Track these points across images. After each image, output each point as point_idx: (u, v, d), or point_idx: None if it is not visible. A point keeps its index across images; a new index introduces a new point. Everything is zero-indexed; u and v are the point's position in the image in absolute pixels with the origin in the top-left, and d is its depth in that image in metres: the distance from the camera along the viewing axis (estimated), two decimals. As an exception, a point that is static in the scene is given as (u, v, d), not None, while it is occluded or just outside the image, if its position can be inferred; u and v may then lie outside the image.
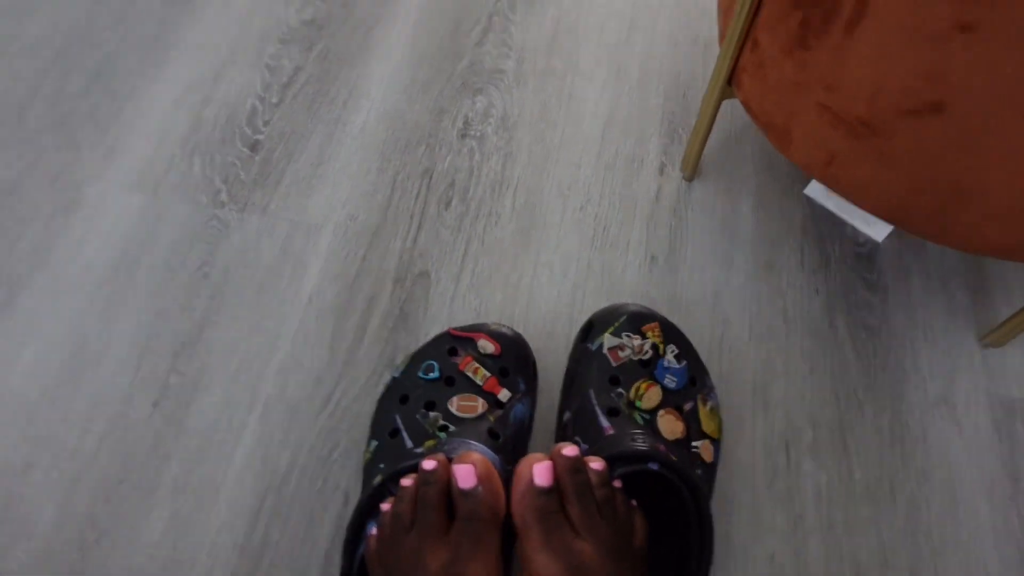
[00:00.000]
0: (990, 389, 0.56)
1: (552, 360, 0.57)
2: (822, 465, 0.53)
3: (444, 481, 0.45)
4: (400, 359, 0.58)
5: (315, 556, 0.51)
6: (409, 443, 0.50)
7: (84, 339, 0.59)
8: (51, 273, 0.61)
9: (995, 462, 0.53)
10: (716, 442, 0.50)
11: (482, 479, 0.44)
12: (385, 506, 0.47)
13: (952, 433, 0.54)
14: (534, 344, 0.58)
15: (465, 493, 0.43)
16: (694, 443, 0.48)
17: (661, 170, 0.66)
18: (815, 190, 0.63)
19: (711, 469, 0.49)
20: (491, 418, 0.49)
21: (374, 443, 0.52)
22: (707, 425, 0.49)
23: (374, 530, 0.48)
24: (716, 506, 0.52)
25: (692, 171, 0.64)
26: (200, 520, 0.53)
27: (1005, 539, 0.51)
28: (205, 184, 0.66)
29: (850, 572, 0.50)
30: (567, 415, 0.51)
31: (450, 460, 0.45)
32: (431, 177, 0.66)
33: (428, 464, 0.46)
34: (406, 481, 0.47)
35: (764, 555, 0.51)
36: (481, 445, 0.47)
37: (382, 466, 0.50)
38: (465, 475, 0.43)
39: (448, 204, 0.65)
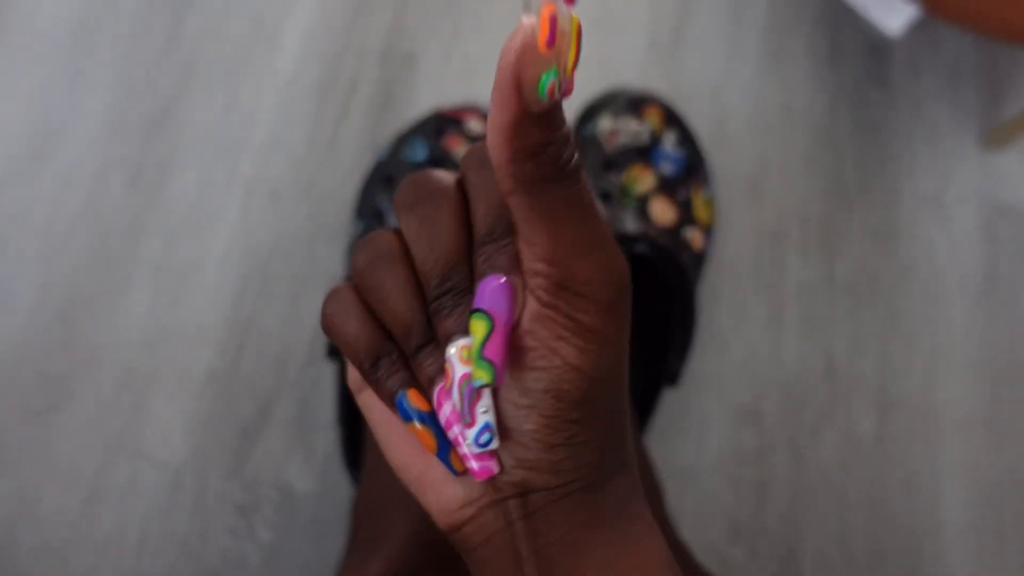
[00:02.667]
0: (982, 191, 0.55)
1: (543, 150, 0.55)
2: (808, 259, 0.54)
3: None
4: (385, 141, 0.55)
5: (302, 334, 0.52)
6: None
7: (46, 115, 0.55)
8: (1, 44, 0.56)
9: (975, 262, 0.54)
10: (709, 232, 0.50)
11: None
12: (372, 283, 0.47)
13: (939, 232, 0.55)
14: (525, 133, 0.55)
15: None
16: (685, 230, 0.48)
17: (669, -49, 0.60)
18: (833, -22, 0.58)
19: (701, 258, 0.49)
20: (480, 201, 0.48)
21: (359, 224, 0.51)
22: (701, 213, 0.49)
23: (361, 306, 0.48)
24: (700, 296, 0.53)
25: (703, -48, 0.59)
26: (185, 297, 0.52)
27: (971, 333, 0.53)
28: (165, -54, 0.59)
29: (823, 360, 0.52)
30: (558, 201, 0.50)
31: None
32: (417, -52, 0.60)
33: (416, 240, 0.45)
34: (393, 258, 0.46)
35: (742, 343, 0.52)
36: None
37: (368, 246, 0.49)
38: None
39: (436, -20, 0.59)
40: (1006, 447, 0.51)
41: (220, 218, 0.54)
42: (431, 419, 0.21)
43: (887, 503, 0.50)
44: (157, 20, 0.58)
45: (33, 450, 0.49)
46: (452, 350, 0.20)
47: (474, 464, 0.21)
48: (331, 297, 0.23)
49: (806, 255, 0.54)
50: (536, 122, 0.18)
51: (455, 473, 0.21)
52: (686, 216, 0.48)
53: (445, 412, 0.21)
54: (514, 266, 0.20)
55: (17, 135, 0.55)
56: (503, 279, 0.20)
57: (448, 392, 0.20)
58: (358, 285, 0.22)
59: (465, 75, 0.57)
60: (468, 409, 0.20)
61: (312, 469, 0.49)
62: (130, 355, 0.51)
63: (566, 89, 0.18)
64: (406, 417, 0.21)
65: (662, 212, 0.47)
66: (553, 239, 0.19)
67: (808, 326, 0.53)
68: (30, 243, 0.53)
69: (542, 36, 0.16)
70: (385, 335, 0.22)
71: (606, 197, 0.47)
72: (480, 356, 0.19)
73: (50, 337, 0.51)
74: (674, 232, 0.47)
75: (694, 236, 0.48)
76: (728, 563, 0.49)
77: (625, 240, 0.45)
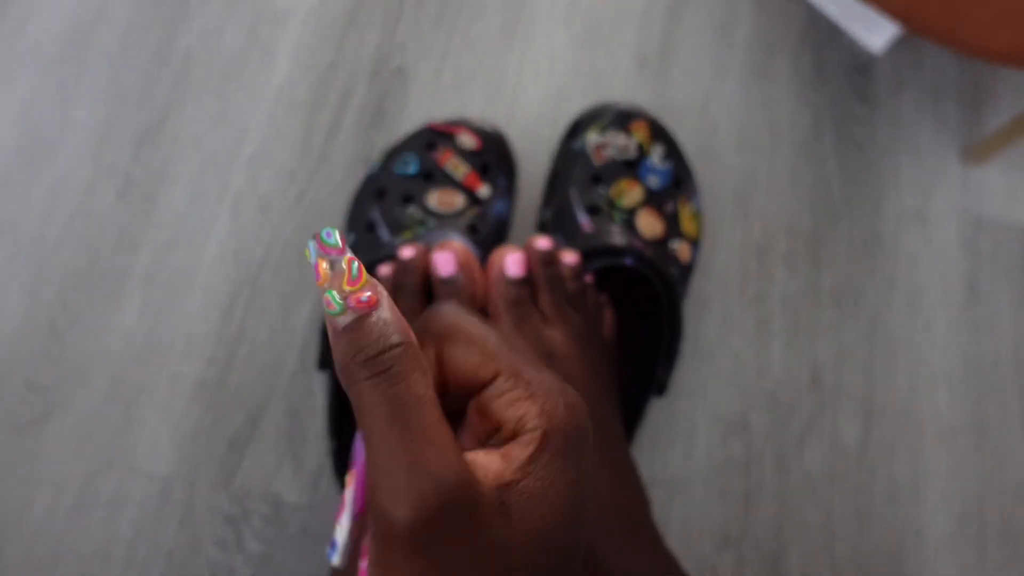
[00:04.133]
0: (964, 205, 0.57)
1: (535, 163, 0.56)
2: (793, 273, 0.55)
3: (422, 269, 0.44)
4: (376, 156, 0.56)
5: (292, 345, 0.52)
6: (386, 236, 0.49)
7: (37, 125, 0.56)
8: (-7, 51, 0.56)
9: (957, 275, 0.55)
10: (695, 244, 0.50)
11: (462, 267, 0.44)
12: (362, 294, 0.48)
13: (922, 246, 0.56)
14: (517, 146, 0.56)
15: (444, 280, 0.43)
16: (672, 243, 0.48)
17: (657, -32, 0.61)
18: (817, -4, 0.60)
19: (687, 270, 0.50)
20: (470, 214, 0.48)
21: (351, 237, 0.51)
22: (687, 226, 0.49)
23: (352, 317, 0.48)
24: (688, 308, 0.53)
25: (690, -31, 0.60)
26: (175, 309, 0.52)
27: (953, 345, 0.54)
28: (158, -41, 0.59)
29: (808, 369, 0.53)
30: (547, 214, 0.50)
31: (429, 250, 0.45)
32: (409, -36, 0.61)
33: (407, 252, 0.45)
34: (384, 269, 0.47)
35: (729, 353, 0.53)
36: (461, 237, 0.47)
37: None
38: (445, 262, 0.43)
39: (427, -5, 0.60)
40: (989, 456, 0.52)
41: (210, 229, 0.54)
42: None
43: (871, 511, 0.51)
44: (150, 32, 0.58)
45: (20, 461, 0.49)
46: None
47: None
48: None
49: (792, 267, 0.55)
50: (339, 334, 0.23)
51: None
52: (673, 229, 0.49)
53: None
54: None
55: (7, 145, 0.55)
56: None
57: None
58: None
59: (456, 90, 0.58)
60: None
61: (302, 481, 0.49)
62: (119, 366, 0.51)
63: (353, 306, 0.23)
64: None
65: (649, 225, 0.48)
66: (360, 425, 0.23)
67: (794, 337, 0.53)
68: (19, 253, 0.53)
69: (315, 269, 0.23)
70: None
71: (594, 210, 0.48)
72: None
73: (38, 347, 0.51)
74: (661, 244, 0.48)
75: (681, 248, 0.49)
76: (716, 572, 0.49)
77: (612, 253, 0.46)
